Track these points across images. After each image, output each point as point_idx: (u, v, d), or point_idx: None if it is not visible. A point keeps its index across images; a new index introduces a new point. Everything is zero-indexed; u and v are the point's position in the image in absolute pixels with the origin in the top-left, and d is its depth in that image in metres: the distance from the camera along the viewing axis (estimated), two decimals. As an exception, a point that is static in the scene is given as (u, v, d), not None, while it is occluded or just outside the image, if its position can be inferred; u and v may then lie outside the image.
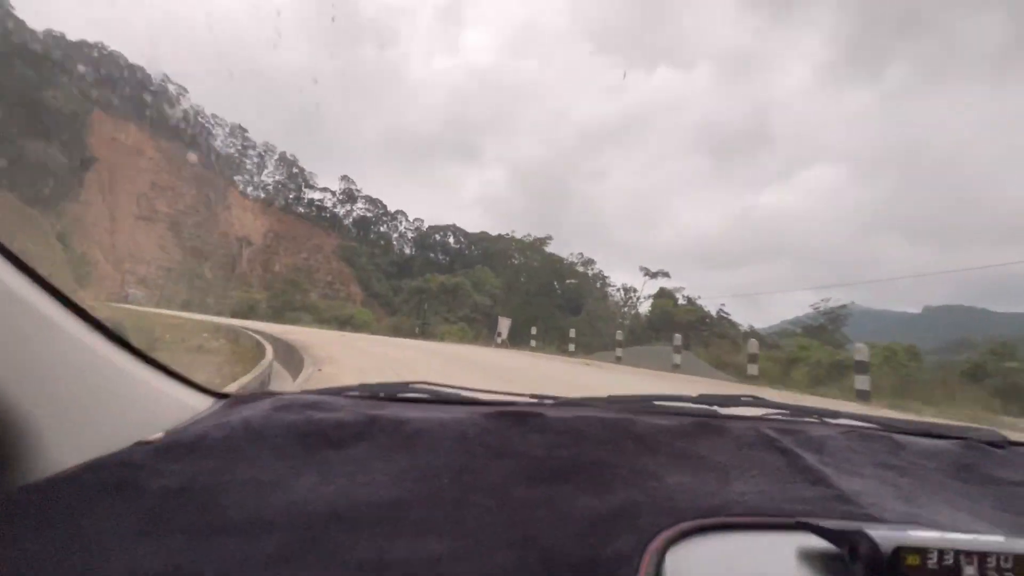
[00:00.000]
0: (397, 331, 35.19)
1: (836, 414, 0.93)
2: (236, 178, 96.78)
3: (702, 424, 0.75)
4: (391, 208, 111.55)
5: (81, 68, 74.60)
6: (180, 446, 0.56)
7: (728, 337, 42.71)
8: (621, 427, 0.70)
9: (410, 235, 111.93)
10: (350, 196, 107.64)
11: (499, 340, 22.97)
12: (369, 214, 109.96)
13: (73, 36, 79.25)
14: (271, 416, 0.65)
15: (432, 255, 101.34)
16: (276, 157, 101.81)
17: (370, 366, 8.00)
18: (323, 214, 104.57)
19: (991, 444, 0.80)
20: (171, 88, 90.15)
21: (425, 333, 34.72)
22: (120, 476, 0.49)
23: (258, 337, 10.05)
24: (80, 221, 63.10)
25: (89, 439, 0.53)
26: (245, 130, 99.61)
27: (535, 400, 0.90)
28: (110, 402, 0.58)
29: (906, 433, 0.85)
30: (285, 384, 7.92)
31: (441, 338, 30.68)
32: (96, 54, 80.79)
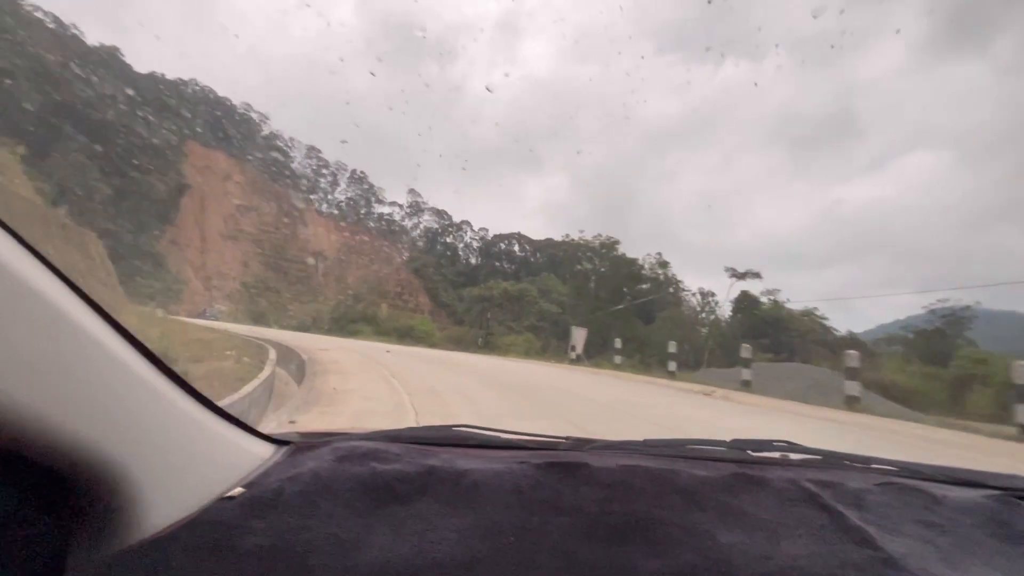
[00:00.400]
0: (459, 343, 33.08)
1: (868, 460, 0.95)
2: (312, 196, 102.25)
3: (741, 475, 0.76)
4: (456, 219, 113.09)
5: (177, 104, 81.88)
6: (262, 502, 0.58)
7: (826, 345, 37.55)
8: (666, 479, 0.72)
9: (475, 245, 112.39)
10: (417, 209, 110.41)
11: (573, 355, 19.82)
12: (435, 225, 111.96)
13: (171, 75, 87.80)
14: (337, 468, 0.67)
15: (497, 263, 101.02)
16: (348, 175, 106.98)
17: (380, 409, 5.09)
18: (392, 227, 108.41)
19: (1022, 496, 0.80)
20: (254, 116, 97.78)
21: (488, 345, 32.13)
22: (215, 536, 0.51)
23: (271, 352, 9.31)
24: (176, 243, 68.78)
25: (180, 495, 0.54)
26: (319, 151, 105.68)
27: (572, 441, 0.95)
28: (193, 455, 0.59)
29: (940, 482, 0.87)
30: (289, 388, 7.18)
31: (505, 351, 28.03)
32: (190, 90, 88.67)
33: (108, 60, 75.75)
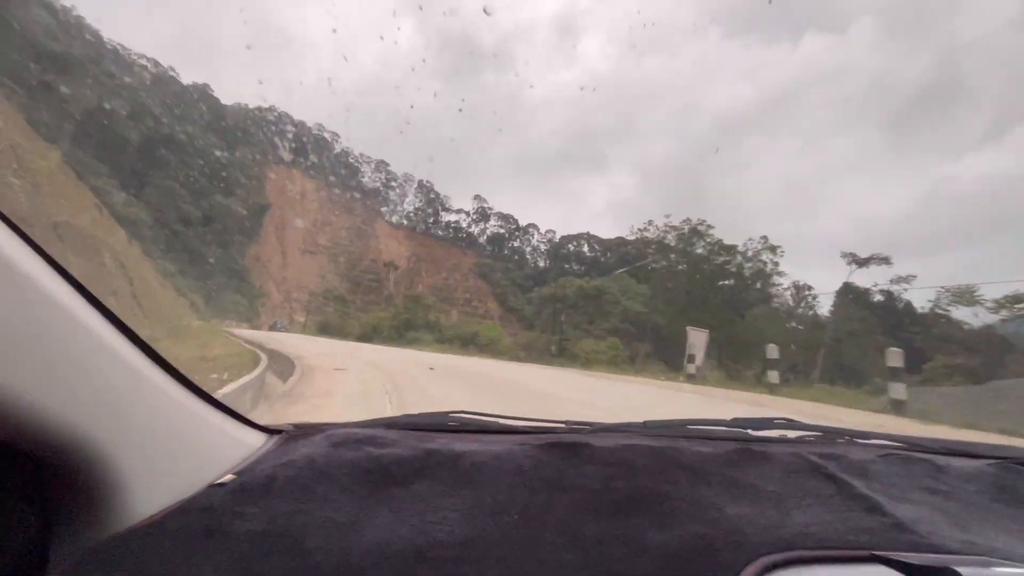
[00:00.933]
0: (529, 350, 28.44)
1: (867, 435, 0.97)
2: (382, 209, 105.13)
3: (744, 451, 0.76)
4: (523, 223, 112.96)
5: (259, 130, 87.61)
6: (253, 488, 0.57)
7: (955, 340, 30.94)
8: (669, 456, 0.72)
9: (543, 248, 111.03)
10: (483, 215, 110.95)
11: (692, 368, 14.52)
12: (502, 230, 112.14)
13: (253, 104, 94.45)
14: (332, 453, 0.67)
15: (566, 265, 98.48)
16: (415, 186, 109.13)
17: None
18: (459, 235, 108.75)
19: (1023, 463, 0.81)
20: (327, 136, 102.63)
21: (564, 352, 27.14)
22: (206, 521, 0.50)
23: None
24: (259, 259, 72.98)
25: (168, 483, 0.54)
26: (387, 164, 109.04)
27: (574, 427, 0.92)
28: (182, 443, 0.58)
29: (939, 453, 0.88)
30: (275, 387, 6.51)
31: (586, 361, 23.58)
32: (271, 117, 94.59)
33: (199, 95, 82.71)
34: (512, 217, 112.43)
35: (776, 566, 0.49)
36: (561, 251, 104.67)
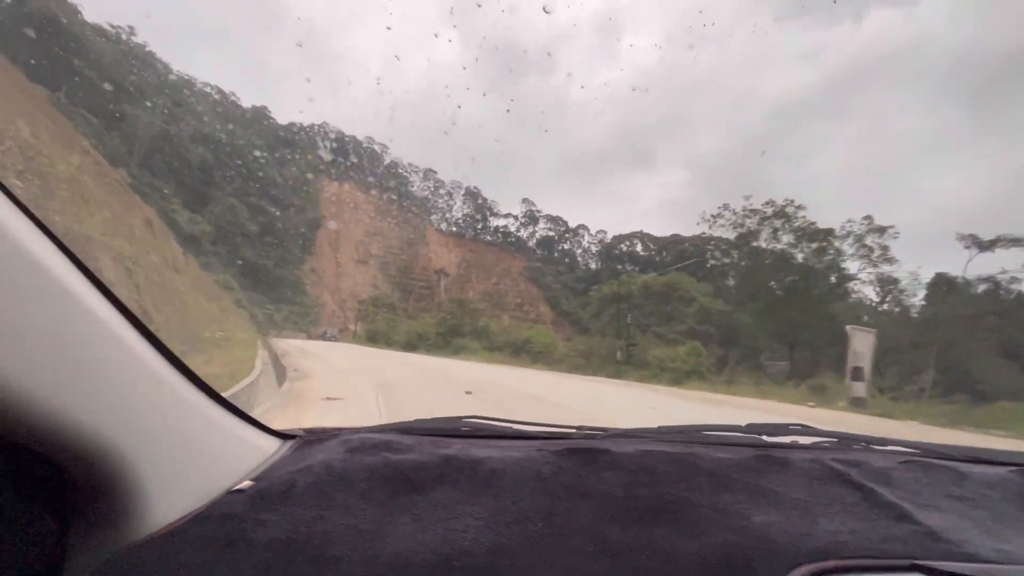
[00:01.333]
0: (589, 359, 24.51)
1: (884, 441, 0.96)
2: (432, 216, 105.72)
3: (764, 457, 0.75)
4: (572, 224, 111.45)
5: (312, 146, 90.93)
6: (273, 494, 0.56)
7: None
8: (688, 462, 0.71)
9: (594, 249, 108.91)
10: (532, 218, 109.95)
11: (860, 389, 10.66)
12: (551, 233, 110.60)
13: (307, 121, 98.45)
14: (349, 459, 0.66)
15: (619, 266, 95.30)
16: (463, 192, 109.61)
17: None
18: (508, 239, 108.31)
19: None
20: (376, 148, 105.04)
21: (632, 360, 22.94)
22: (227, 529, 0.50)
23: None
24: (315, 270, 75.16)
25: (187, 489, 0.53)
26: (435, 172, 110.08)
27: (587, 432, 0.91)
28: (200, 449, 0.57)
29: (958, 460, 0.87)
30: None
31: (657, 370, 19.94)
32: (323, 133, 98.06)
33: (258, 117, 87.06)
34: (561, 219, 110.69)
35: None
36: (613, 251, 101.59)
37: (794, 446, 0.89)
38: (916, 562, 0.48)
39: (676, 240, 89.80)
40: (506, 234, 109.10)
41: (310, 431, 0.80)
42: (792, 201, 26.90)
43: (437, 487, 0.60)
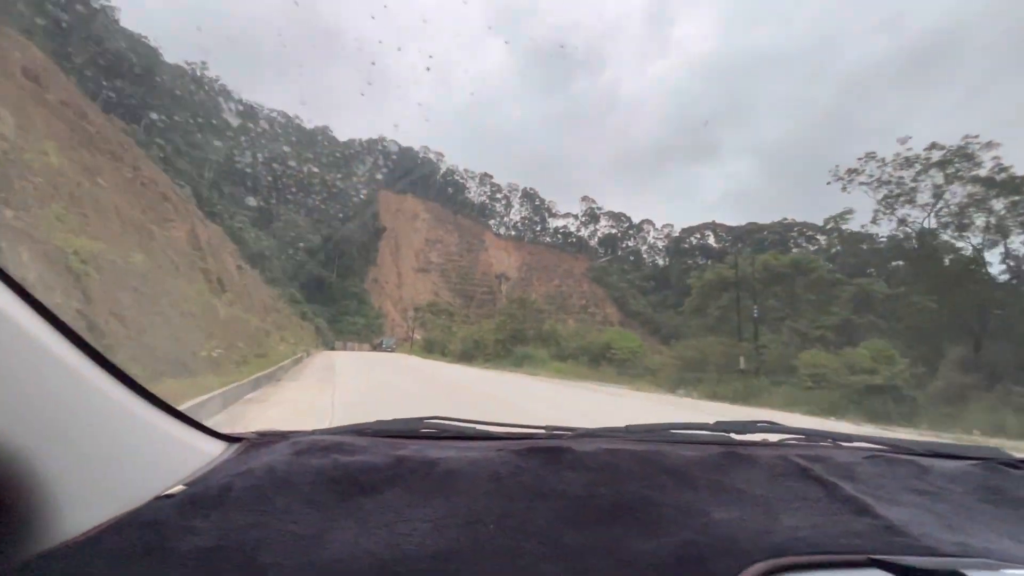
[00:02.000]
0: (698, 370, 17.69)
1: (850, 437, 0.97)
2: (490, 221, 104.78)
3: (730, 454, 0.75)
4: (636, 220, 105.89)
5: (370, 159, 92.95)
6: (205, 499, 0.53)
7: None
8: (653, 460, 0.70)
9: (660, 244, 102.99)
10: (593, 216, 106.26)
11: None
12: (614, 230, 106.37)
13: (365, 137, 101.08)
14: (295, 461, 0.63)
15: (689, 260, 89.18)
16: (520, 195, 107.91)
17: None
18: (568, 239, 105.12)
19: (1008, 464, 0.82)
20: (432, 157, 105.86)
21: (765, 368, 16.94)
22: (147, 538, 0.46)
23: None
24: (377, 281, 75.89)
25: (106, 495, 0.49)
26: (491, 176, 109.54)
27: (554, 432, 0.88)
28: (125, 453, 0.53)
29: (922, 455, 0.88)
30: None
31: (818, 389, 12.98)
32: (380, 146, 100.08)
33: (320, 137, 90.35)
34: (624, 215, 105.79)
35: (770, 573, 0.47)
36: (682, 245, 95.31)
37: (761, 444, 0.89)
38: (873, 557, 0.48)
39: (753, 228, 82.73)
40: (566, 234, 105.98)
41: (264, 434, 0.76)
42: (976, 137, 18.02)
43: (387, 489, 0.58)
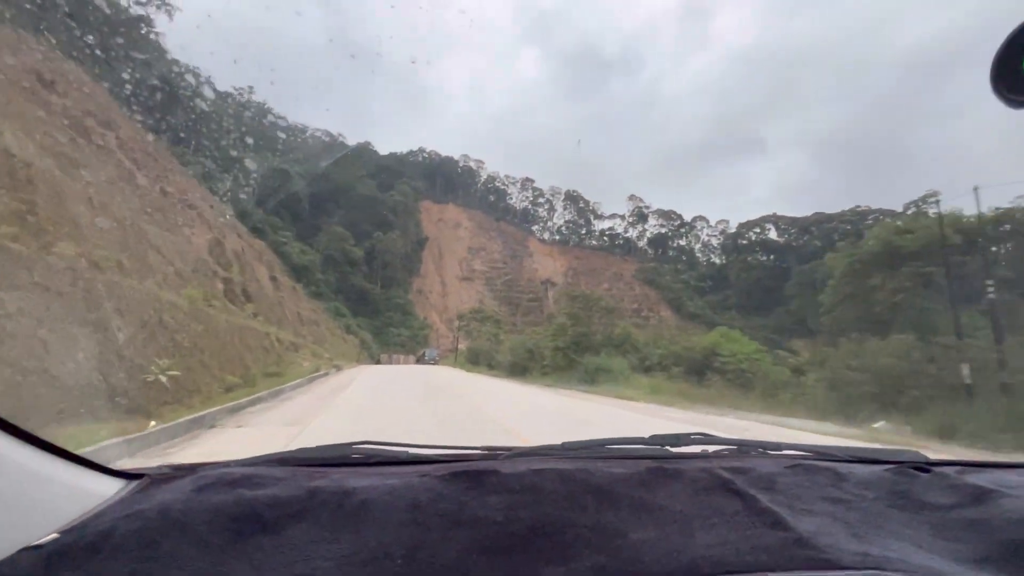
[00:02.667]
0: (894, 391, 11.29)
1: (779, 446, 0.99)
2: (533, 227, 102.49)
3: (656, 469, 0.75)
4: (687, 217, 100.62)
5: (412, 171, 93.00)
6: (79, 548, 0.48)
7: None
8: (579, 479, 0.68)
9: (715, 242, 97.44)
10: (641, 216, 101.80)
11: None
12: (664, 229, 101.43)
13: (404, 149, 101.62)
14: (194, 499, 0.58)
15: (749, 257, 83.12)
16: (563, 198, 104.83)
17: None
18: (615, 241, 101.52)
19: (917, 468, 0.84)
20: (472, 165, 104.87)
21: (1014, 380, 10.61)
22: None
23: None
24: (421, 291, 74.90)
25: None
26: (532, 180, 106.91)
27: (489, 452, 0.87)
28: None
29: (842, 461, 0.91)
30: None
31: None
32: (420, 158, 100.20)
33: (362, 152, 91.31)
34: (675, 213, 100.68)
35: None
36: (740, 241, 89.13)
37: (693, 456, 0.89)
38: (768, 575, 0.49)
39: (821, 218, 76.24)
40: (613, 236, 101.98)
41: (177, 468, 0.71)
42: None
43: (292, 525, 0.54)
